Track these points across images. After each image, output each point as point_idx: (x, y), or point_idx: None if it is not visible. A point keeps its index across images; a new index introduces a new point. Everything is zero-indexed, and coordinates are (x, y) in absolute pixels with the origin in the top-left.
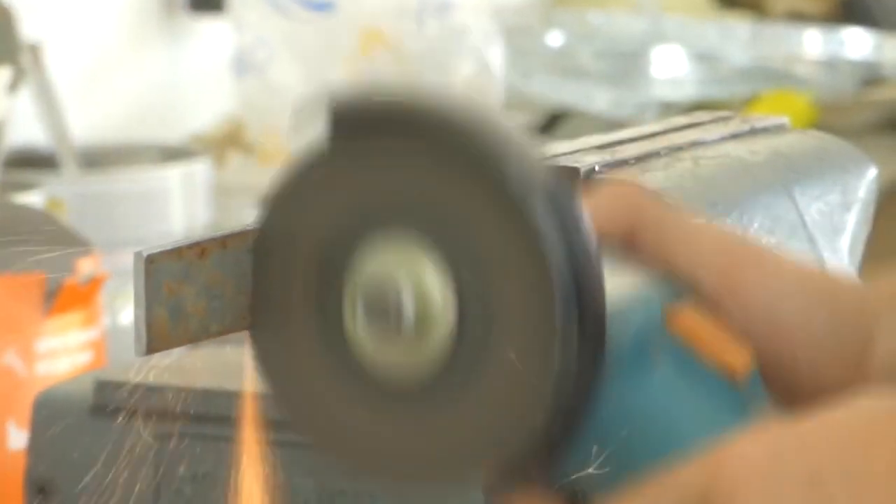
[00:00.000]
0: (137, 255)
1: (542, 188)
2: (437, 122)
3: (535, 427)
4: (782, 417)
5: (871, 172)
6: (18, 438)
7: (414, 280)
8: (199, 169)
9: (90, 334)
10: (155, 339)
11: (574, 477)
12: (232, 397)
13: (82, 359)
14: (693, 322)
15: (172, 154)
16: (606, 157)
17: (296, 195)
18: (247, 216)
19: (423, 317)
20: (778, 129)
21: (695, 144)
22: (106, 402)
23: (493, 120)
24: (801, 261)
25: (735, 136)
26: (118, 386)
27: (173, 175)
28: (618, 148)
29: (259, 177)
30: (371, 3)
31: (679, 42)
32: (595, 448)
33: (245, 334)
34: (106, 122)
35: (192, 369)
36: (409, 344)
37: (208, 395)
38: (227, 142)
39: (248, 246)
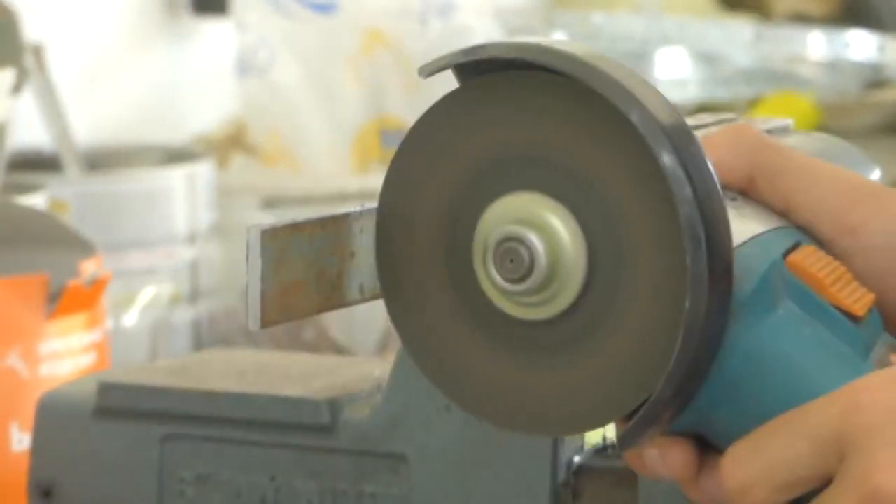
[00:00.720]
0: (253, 228)
1: (669, 133)
2: (564, 67)
3: (667, 371)
4: None
5: (875, 174)
6: (22, 440)
7: (544, 232)
8: (202, 169)
9: (93, 336)
10: (268, 312)
11: (701, 419)
12: (234, 399)
13: (85, 361)
14: (813, 265)
15: (175, 155)
16: None
17: (424, 147)
18: (250, 216)
19: (555, 268)
20: (781, 131)
21: None
22: (109, 404)
23: (618, 66)
24: None
25: None
26: (121, 388)
27: (176, 176)
28: None
29: (261, 177)
30: (373, 4)
31: (682, 43)
32: (722, 391)
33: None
34: (108, 123)
35: (194, 371)
36: (541, 294)
37: (211, 396)
38: (229, 142)
39: (356, 222)
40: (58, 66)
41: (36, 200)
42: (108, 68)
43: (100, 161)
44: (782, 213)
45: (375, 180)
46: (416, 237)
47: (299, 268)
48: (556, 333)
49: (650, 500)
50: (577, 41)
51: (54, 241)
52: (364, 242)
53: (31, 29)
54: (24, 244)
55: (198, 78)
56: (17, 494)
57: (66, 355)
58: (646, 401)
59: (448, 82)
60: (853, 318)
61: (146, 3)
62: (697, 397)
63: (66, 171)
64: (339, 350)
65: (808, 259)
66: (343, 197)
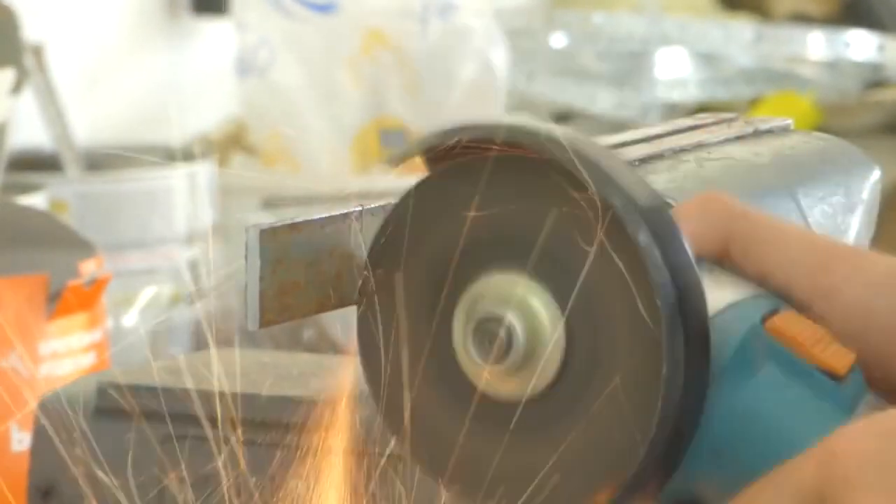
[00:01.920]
0: (252, 227)
1: (639, 209)
2: (538, 149)
3: (647, 445)
4: (888, 408)
5: (875, 174)
6: (22, 440)
7: (522, 311)
8: (202, 170)
9: (93, 336)
10: (267, 312)
11: (688, 485)
12: (235, 399)
13: (85, 361)
14: (793, 328)
15: (175, 155)
16: None
17: (404, 225)
18: (250, 217)
19: (533, 347)
20: (781, 131)
21: (698, 146)
22: (109, 404)
23: (593, 145)
24: (890, 257)
25: (738, 138)
26: (121, 388)
27: (176, 176)
28: (621, 150)
29: (262, 178)
30: (373, 4)
31: (682, 43)
32: (707, 456)
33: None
34: (109, 123)
35: (194, 371)
36: (519, 373)
37: (211, 396)
38: (229, 143)
39: (357, 222)
40: (58, 65)
41: (36, 200)
42: (108, 68)
43: (100, 161)
44: (758, 281)
45: (376, 180)
46: (397, 316)
47: (298, 268)
48: (537, 411)
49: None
50: (545, 125)
51: (54, 241)
52: (363, 242)
53: (31, 29)
54: (24, 244)
55: (198, 78)
56: (17, 494)
57: (66, 355)
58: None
59: (449, 81)
60: (835, 377)
61: (146, 3)
62: (683, 464)
63: (66, 170)
64: (338, 350)
65: (788, 322)
66: (343, 197)
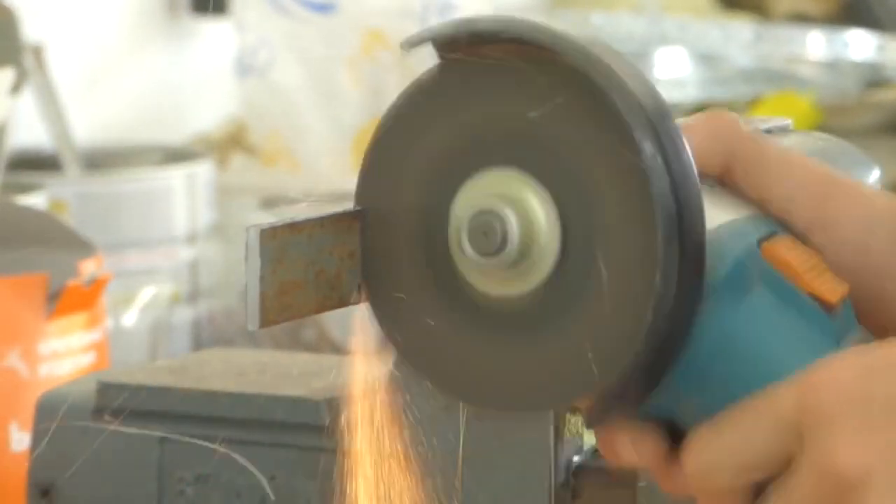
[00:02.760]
0: (252, 227)
1: (647, 116)
2: (551, 44)
3: (633, 355)
4: (872, 344)
5: (875, 174)
6: (21, 440)
7: (518, 208)
8: (202, 169)
9: (93, 336)
10: (267, 312)
11: (669, 404)
12: (234, 399)
13: (85, 361)
14: (788, 253)
15: (175, 155)
16: None
17: (401, 127)
18: (250, 217)
19: (528, 243)
20: (781, 131)
21: None
22: (108, 403)
23: (606, 49)
24: (889, 194)
25: None
26: (121, 388)
27: (176, 176)
28: None
29: (261, 177)
30: (373, 4)
31: (682, 43)
32: (691, 375)
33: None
34: (108, 123)
35: (194, 371)
36: (513, 270)
37: (210, 396)
38: (229, 142)
39: (357, 221)
40: (58, 66)
41: (36, 200)
42: (107, 68)
43: (99, 161)
44: (758, 205)
45: None
46: (394, 210)
47: (299, 267)
48: (528, 311)
49: (649, 500)
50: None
51: (54, 241)
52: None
53: (31, 29)
54: (24, 244)
55: (198, 78)
56: (17, 494)
57: (66, 355)
58: None
59: None
60: (826, 307)
61: (146, 3)
62: (667, 381)
63: (66, 170)
64: (338, 350)
65: (784, 247)
66: (343, 197)
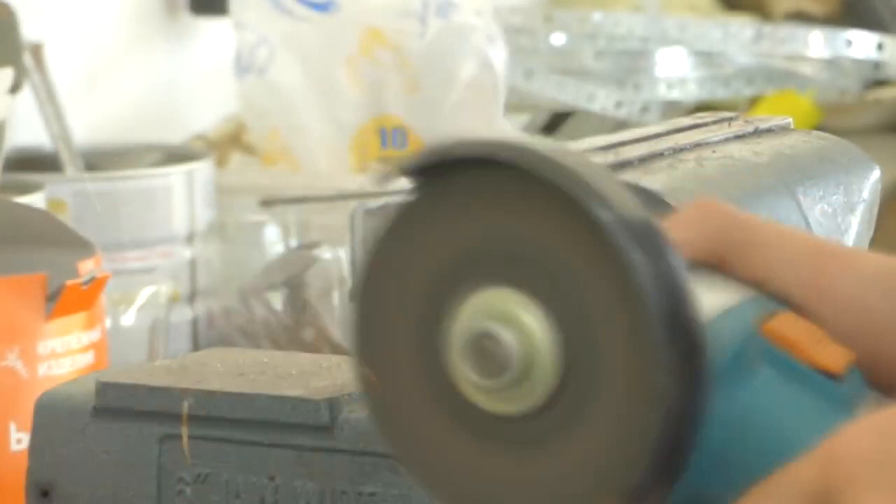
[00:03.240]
0: (357, 209)
1: (631, 228)
2: (529, 165)
3: (649, 456)
4: (889, 406)
5: (875, 173)
6: (20, 440)
7: (517, 325)
8: (201, 169)
9: (92, 336)
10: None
11: (693, 494)
12: (234, 399)
13: (84, 360)
14: (788, 329)
15: (174, 155)
16: (610, 157)
17: (396, 242)
18: (249, 216)
19: (529, 362)
20: (781, 130)
21: (698, 145)
22: (108, 403)
23: (576, 159)
24: (883, 256)
25: (738, 137)
26: (120, 388)
27: (175, 175)
28: (621, 149)
29: (260, 176)
30: (372, 3)
31: (682, 42)
32: (709, 462)
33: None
34: (107, 122)
35: (193, 371)
36: (516, 389)
37: (210, 396)
38: (228, 142)
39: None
40: (56, 65)
41: (34, 199)
42: (106, 67)
43: (98, 160)
44: (756, 287)
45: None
46: (392, 330)
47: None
48: (534, 427)
49: None
50: (545, 142)
51: (53, 240)
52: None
53: (30, 28)
54: (23, 244)
55: (196, 77)
56: (16, 494)
57: (65, 355)
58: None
59: (448, 80)
60: (833, 377)
61: (145, 2)
62: (688, 476)
63: (65, 170)
64: (338, 350)
65: (784, 324)
66: (343, 196)
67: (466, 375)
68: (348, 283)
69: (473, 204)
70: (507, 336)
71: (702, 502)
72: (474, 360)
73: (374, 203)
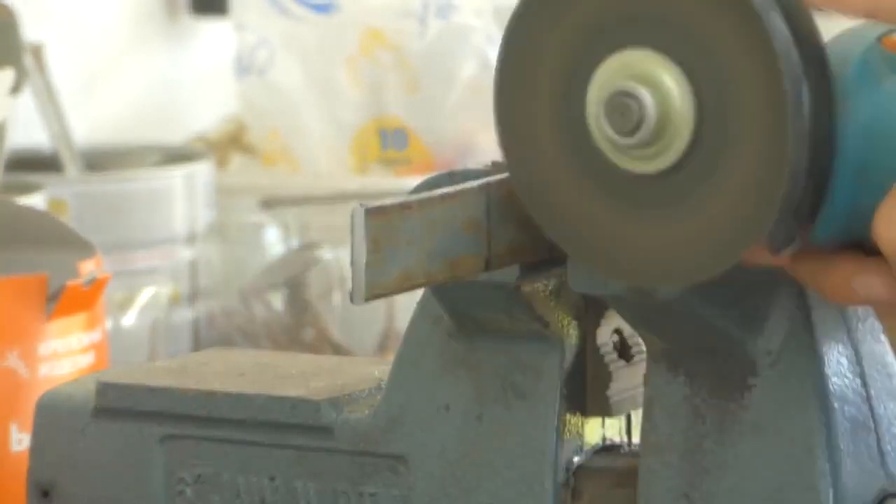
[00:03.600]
0: (358, 208)
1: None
2: None
3: (788, 171)
4: None
5: None
6: (21, 441)
7: (654, 84)
8: (201, 170)
9: (92, 336)
10: (372, 286)
11: (841, 218)
12: (235, 399)
13: (85, 361)
14: None
15: (174, 155)
16: None
17: (533, 16)
18: (249, 216)
19: (664, 119)
20: None
21: None
22: (108, 404)
23: None
24: None
25: None
26: (121, 388)
27: (175, 176)
28: None
29: (261, 177)
30: (372, 4)
31: None
32: (851, 180)
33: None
34: (108, 123)
35: (193, 371)
36: (651, 146)
37: (211, 397)
38: (228, 142)
39: (465, 199)
40: (57, 65)
41: (35, 200)
42: (107, 68)
43: (99, 161)
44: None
45: (375, 180)
46: (532, 92)
47: (402, 244)
48: (671, 184)
49: (648, 500)
50: None
51: (53, 241)
52: (481, 215)
53: (31, 29)
54: (23, 244)
55: (197, 78)
56: (17, 495)
57: (66, 355)
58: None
59: (448, 81)
60: None
61: (145, 3)
62: (835, 193)
63: (65, 170)
64: (338, 350)
65: None
66: (343, 197)
67: (605, 134)
68: (349, 284)
69: None
70: (645, 93)
71: (854, 221)
72: (614, 117)
73: (375, 201)
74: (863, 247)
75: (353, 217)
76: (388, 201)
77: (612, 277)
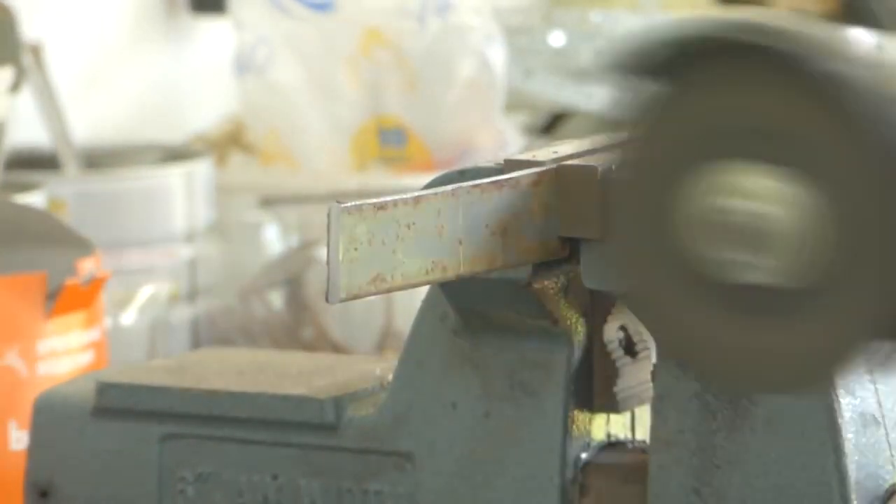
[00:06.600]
0: (334, 206)
1: (880, 102)
2: (775, 49)
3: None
4: None
5: None
6: (20, 439)
7: (760, 197)
8: (200, 168)
9: (91, 335)
10: (348, 286)
11: None
12: (237, 398)
13: (83, 359)
14: None
15: (173, 154)
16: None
17: (649, 130)
18: (248, 215)
19: (772, 231)
20: None
21: None
22: (108, 403)
23: (821, 39)
24: None
25: None
26: (120, 387)
27: (174, 175)
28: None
29: (260, 176)
30: (372, 3)
31: None
32: None
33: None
34: (107, 122)
35: (192, 370)
36: (760, 258)
37: (212, 395)
38: (228, 142)
39: (437, 203)
40: (56, 64)
41: (34, 199)
42: (106, 67)
43: (98, 160)
44: None
45: (374, 179)
46: (644, 212)
47: (379, 244)
48: (778, 295)
49: (658, 496)
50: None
51: (52, 239)
52: (448, 221)
53: (30, 28)
54: (23, 243)
55: (196, 77)
56: (16, 493)
57: (65, 354)
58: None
59: (447, 80)
60: None
61: (145, 2)
62: None
63: (65, 169)
64: (337, 349)
65: None
66: (342, 195)
67: (714, 249)
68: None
69: (725, 87)
70: (752, 207)
71: None
72: (723, 234)
73: (349, 200)
74: None
75: (329, 215)
76: (363, 201)
77: (734, 388)
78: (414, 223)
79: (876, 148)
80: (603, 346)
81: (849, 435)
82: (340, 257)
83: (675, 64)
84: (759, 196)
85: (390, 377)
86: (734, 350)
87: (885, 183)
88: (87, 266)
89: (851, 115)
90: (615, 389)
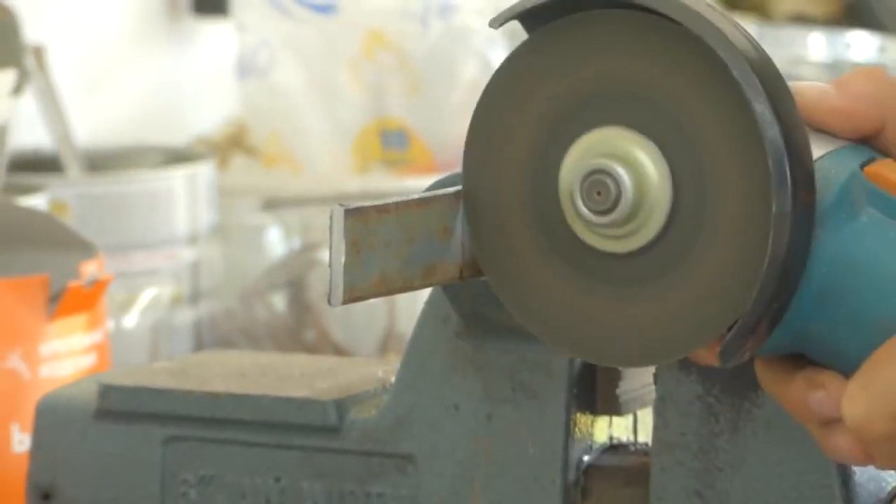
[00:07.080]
0: (336, 208)
1: (754, 69)
2: (663, 9)
3: (758, 286)
4: None
5: None
6: (23, 442)
7: (632, 163)
8: (203, 171)
9: (94, 337)
10: (350, 288)
11: (792, 334)
12: (240, 400)
13: (86, 362)
14: (892, 170)
15: (176, 156)
16: None
17: (504, 96)
18: (250, 218)
19: (640, 199)
20: None
21: None
22: (110, 405)
23: (712, 10)
24: None
25: None
26: (123, 390)
27: (177, 177)
28: None
29: (262, 178)
30: (374, 5)
31: None
32: (811, 302)
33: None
34: (109, 124)
35: (195, 373)
36: (627, 227)
37: (214, 398)
38: (230, 144)
39: (440, 205)
40: (59, 66)
41: (36, 201)
42: (108, 69)
43: (100, 162)
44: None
45: (376, 181)
46: (502, 174)
47: (382, 246)
48: (643, 265)
49: (660, 498)
50: None
51: (55, 242)
52: (455, 222)
53: (32, 29)
54: (25, 245)
55: (198, 79)
56: (18, 496)
57: (67, 356)
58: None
59: (449, 82)
60: None
61: (147, 4)
62: (790, 312)
63: (67, 172)
64: (339, 351)
65: (887, 167)
66: (344, 198)
67: (579, 212)
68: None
69: (591, 44)
70: (621, 172)
71: (803, 338)
72: (588, 195)
73: (352, 203)
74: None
75: (332, 218)
76: (366, 203)
77: (578, 356)
78: (417, 225)
79: (751, 119)
80: None
81: None
82: (343, 260)
83: (547, 17)
84: (628, 161)
85: (392, 379)
86: (600, 322)
87: (758, 155)
88: (90, 268)
89: (726, 82)
90: (617, 392)
